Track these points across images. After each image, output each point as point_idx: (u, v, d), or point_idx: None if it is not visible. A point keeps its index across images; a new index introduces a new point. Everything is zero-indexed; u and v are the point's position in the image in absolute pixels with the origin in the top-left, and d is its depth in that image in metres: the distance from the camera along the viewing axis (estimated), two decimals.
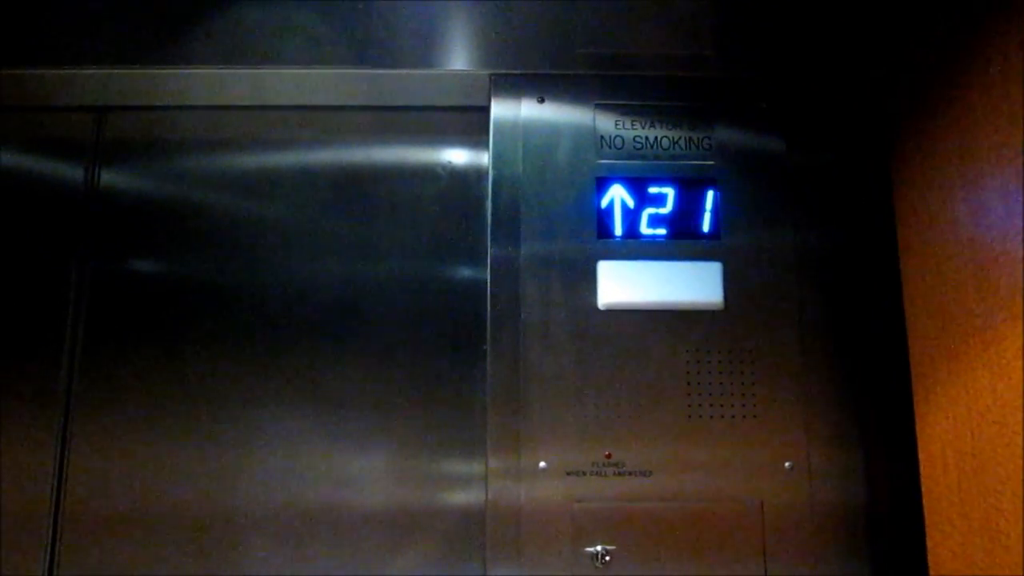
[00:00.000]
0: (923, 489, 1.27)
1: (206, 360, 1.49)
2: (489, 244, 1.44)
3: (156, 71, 1.51)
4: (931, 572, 1.25)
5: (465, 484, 1.46)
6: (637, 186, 1.45)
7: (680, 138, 1.48)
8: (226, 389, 1.48)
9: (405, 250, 1.54)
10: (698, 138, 1.48)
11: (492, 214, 1.45)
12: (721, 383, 1.40)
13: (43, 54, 1.51)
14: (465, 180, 1.57)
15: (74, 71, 1.51)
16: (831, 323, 1.43)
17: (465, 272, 1.53)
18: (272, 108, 1.58)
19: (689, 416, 1.39)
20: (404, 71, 1.51)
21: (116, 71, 1.51)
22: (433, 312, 1.51)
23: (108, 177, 1.56)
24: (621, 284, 1.41)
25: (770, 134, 1.49)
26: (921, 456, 1.28)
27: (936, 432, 1.24)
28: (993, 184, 1.11)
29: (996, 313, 1.10)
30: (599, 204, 1.45)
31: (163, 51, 1.50)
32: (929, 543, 1.25)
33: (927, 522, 1.26)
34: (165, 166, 1.57)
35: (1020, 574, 1.05)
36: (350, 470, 1.46)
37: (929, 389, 1.26)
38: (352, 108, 1.59)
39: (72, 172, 1.56)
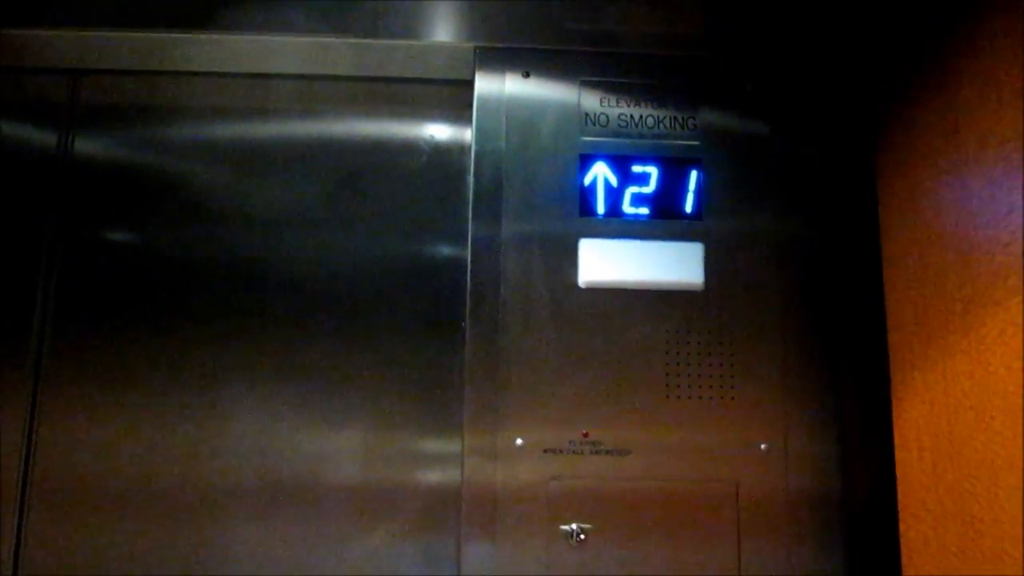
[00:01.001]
0: (898, 473, 1.28)
1: (179, 333, 1.46)
2: (470, 219, 1.43)
3: (134, 34, 1.48)
4: (903, 556, 1.25)
5: (441, 462, 1.45)
6: (621, 164, 1.44)
7: (665, 117, 1.47)
8: (199, 363, 1.46)
9: (384, 225, 1.52)
10: (683, 118, 1.47)
11: (474, 189, 1.44)
12: (700, 364, 1.39)
13: (17, 14, 1.47)
14: (447, 155, 1.55)
15: (49, 32, 1.48)
16: (811, 307, 1.43)
17: (445, 248, 1.51)
18: (252, 76, 1.55)
19: (667, 396, 1.38)
20: (387, 41, 1.49)
21: (93, 32, 1.48)
22: (412, 288, 1.50)
23: (82, 143, 1.52)
24: (602, 262, 1.40)
25: (755, 117, 1.49)
26: (897, 440, 1.28)
27: (912, 417, 1.25)
28: (978, 171, 1.11)
29: (977, 299, 1.10)
30: (582, 181, 1.44)
31: (141, 13, 1.47)
32: (902, 526, 1.26)
33: (900, 505, 1.26)
34: (141, 133, 1.53)
35: (993, 558, 1.06)
36: (325, 446, 1.44)
37: (907, 374, 1.26)
38: (334, 78, 1.56)
39: (45, 137, 1.52)
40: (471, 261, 1.41)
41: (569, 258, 1.41)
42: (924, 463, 1.22)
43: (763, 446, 1.38)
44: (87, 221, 1.50)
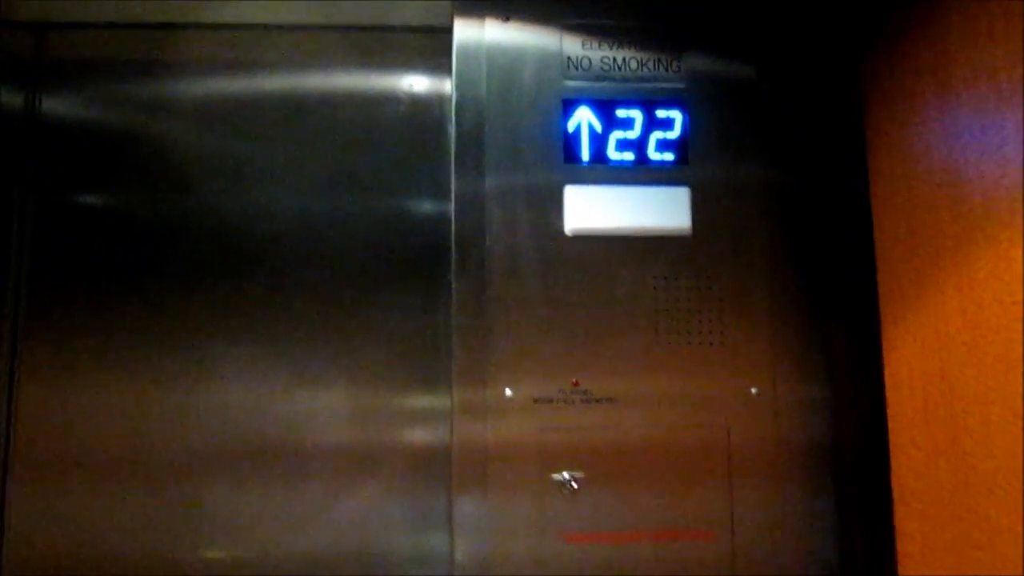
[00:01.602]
0: (888, 412, 1.28)
1: (158, 295, 1.43)
2: (452, 170, 1.40)
3: None
4: (895, 493, 1.26)
5: (431, 417, 1.43)
6: (604, 109, 1.42)
7: (649, 60, 1.44)
8: (180, 324, 1.43)
9: (365, 179, 1.49)
10: (668, 60, 1.45)
11: (456, 139, 1.41)
12: (688, 309, 1.38)
13: None
14: (427, 106, 1.51)
15: None
16: (800, 251, 1.42)
17: (428, 200, 1.48)
18: (225, 26, 1.50)
19: (656, 342, 1.37)
20: None
21: None
22: (396, 243, 1.47)
23: (51, 102, 1.47)
24: (588, 209, 1.39)
25: (741, 58, 1.46)
26: (887, 380, 1.28)
27: (903, 356, 1.24)
28: (968, 104, 1.10)
29: (969, 235, 1.10)
30: (566, 127, 1.41)
31: None
32: (893, 464, 1.26)
33: (892, 444, 1.27)
34: (110, 89, 1.48)
35: (985, 492, 1.06)
36: (312, 405, 1.43)
37: (897, 313, 1.26)
38: (305, 27, 1.52)
39: (11, 96, 1.47)
40: (455, 212, 1.39)
41: (555, 206, 1.39)
42: (915, 401, 1.22)
43: (753, 390, 1.37)
44: (59, 182, 1.45)
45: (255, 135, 1.49)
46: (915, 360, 1.22)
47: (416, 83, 1.52)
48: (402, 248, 1.47)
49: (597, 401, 1.35)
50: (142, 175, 1.46)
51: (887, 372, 1.28)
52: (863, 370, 1.38)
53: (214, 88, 1.50)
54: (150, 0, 1.46)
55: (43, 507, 1.38)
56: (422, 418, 1.43)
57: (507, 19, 1.43)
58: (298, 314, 1.44)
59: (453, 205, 1.39)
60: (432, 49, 1.51)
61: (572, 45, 1.44)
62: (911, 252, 1.22)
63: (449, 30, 1.44)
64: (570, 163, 1.40)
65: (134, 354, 1.41)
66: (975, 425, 1.09)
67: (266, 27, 1.51)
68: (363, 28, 1.52)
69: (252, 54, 1.51)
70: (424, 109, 1.51)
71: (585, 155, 1.41)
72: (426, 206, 1.48)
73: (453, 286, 1.37)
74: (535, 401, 1.35)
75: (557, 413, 1.35)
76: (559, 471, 1.33)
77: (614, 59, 1.44)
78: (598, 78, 1.43)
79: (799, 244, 1.42)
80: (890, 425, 1.27)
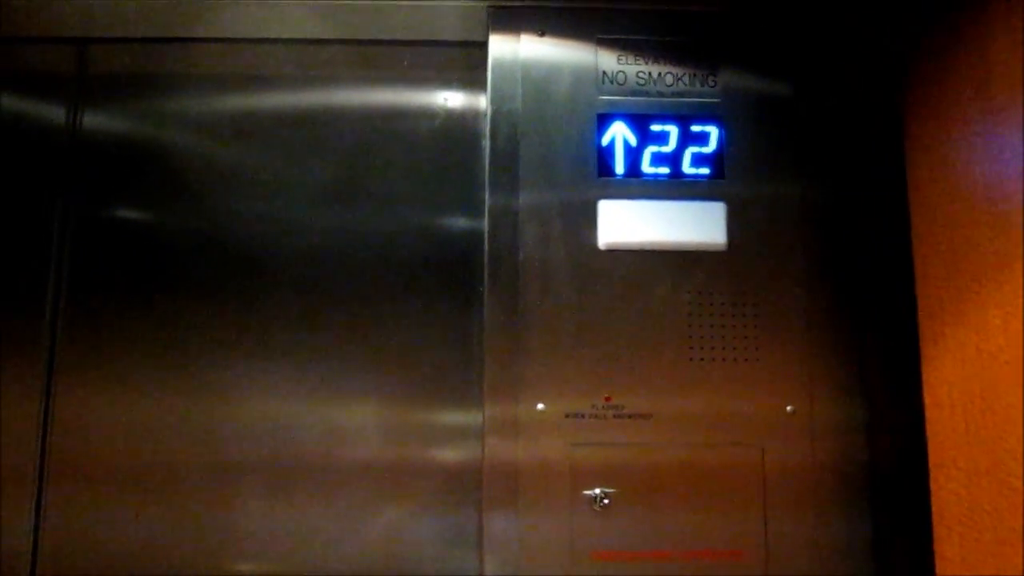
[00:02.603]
0: (928, 432, 1.25)
1: (194, 308, 1.44)
2: (487, 184, 1.40)
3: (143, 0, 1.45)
4: (934, 514, 1.23)
5: (462, 433, 1.42)
6: (639, 123, 1.41)
7: (685, 74, 1.44)
8: (215, 337, 1.43)
9: (398, 193, 1.49)
10: (704, 75, 1.44)
11: (490, 153, 1.41)
12: (723, 325, 1.37)
13: None
14: (462, 120, 1.52)
15: None
16: (837, 267, 1.40)
17: (461, 214, 1.48)
18: (261, 41, 1.52)
19: (690, 359, 1.36)
20: (398, 2, 1.46)
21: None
22: (429, 257, 1.47)
23: (92, 116, 1.50)
24: (622, 224, 1.38)
25: (777, 73, 1.45)
26: (927, 399, 1.25)
27: (943, 375, 1.22)
28: (1010, 117, 1.08)
29: (1011, 251, 1.07)
30: (600, 142, 1.41)
31: None
32: (933, 485, 1.23)
33: (931, 464, 1.24)
34: (151, 104, 1.50)
35: None
36: (341, 421, 1.42)
37: (937, 331, 1.23)
38: (343, 42, 1.53)
39: (53, 110, 1.49)
40: (488, 225, 1.38)
41: (588, 220, 1.38)
42: (956, 420, 1.19)
43: (789, 408, 1.35)
44: (99, 197, 1.47)
45: (290, 150, 1.50)
46: (956, 379, 1.19)
47: (451, 98, 1.52)
48: (435, 262, 1.47)
49: (630, 417, 1.34)
50: (180, 189, 1.48)
51: (926, 391, 1.26)
52: (901, 389, 1.36)
53: (251, 102, 1.51)
54: (188, 13, 1.47)
55: (77, 515, 1.38)
56: (452, 434, 1.43)
57: (543, 34, 1.44)
58: (331, 329, 1.44)
59: (487, 219, 1.39)
60: (467, 63, 1.51)
61: (608, 59, 1.43)
62: (952, 269, 1.20)
63: (484, 45, 1.44)
64: (604, 177, 1.40)
65: (168, 367, 1.42)
66: (1017, 446, 1.06)
67: (302, 42, 1.52)
68: (399, 43, 1.53)
69: (293, 69, 1.52)
70: (459, 123, 1.52)
71: (620, 169, 1.40)
72: (460, 220, 1.48)
73: (485, 300, 1.36)
74: (567, 416, 1.34)
75: (589, 429, 1.33)
76: (591, 486, 1.31)
77: (649, 73, 1.43)
78: (633, 92, 1.43)
79: (836, 260, 1.40)
80: (930, 445, 1.25)
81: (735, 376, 1.35)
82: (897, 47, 1.37)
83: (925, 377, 1.26)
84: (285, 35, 1.51)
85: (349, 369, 1.44)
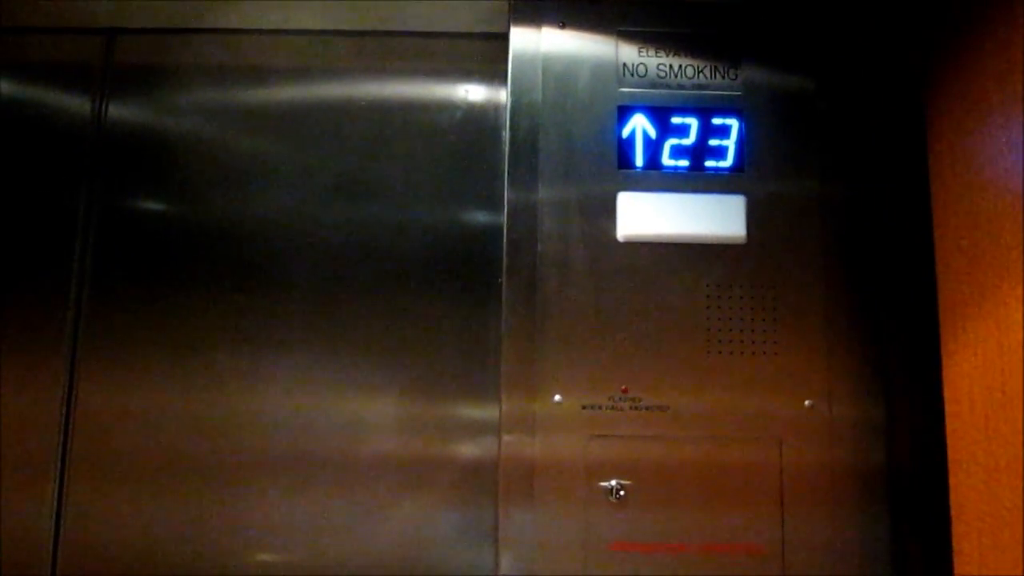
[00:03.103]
0: (947, 428, 1.24)
1: (216, 301, 1.46)
2: (506, 175, 1.40)
3: None
4: (953, 510, 1.22)
5: (479, 427, 1.43)
6: (660, 116, 1.41)
7: (705, 67, 1.43)
8: (235, 330, 1.45)
9: (418, 185, 1.50)
10: (724, 68, 1.44)
11: (510, 144, 1.41)
12: (742, 318, 1.36)
13: None
14: (483, 112, 1.52)
15: None
16: (856, 261, 1.39)
17: (481, 207, 1.49)
18: (285, 32, 1.53)
19: (708, 351, 1.36)
20: None
21: None
22: (448, 249, 1.48)
23: (117, 107, 1.52)
24: (641, 216, 1.38)
25: (799, 66, 1.44)
26: (947, 394, 1.24)
27: (964, 370, 1.21)
28: None
29: None
30: (620, 134, 1.41)
31: None
32: (952, 481, 1.22)
33: (950, 460, 1.23)
34: (176, 95, 1.52)
35: None
36: (360, 414, 1.44)
37: (958, 326, 1.22)
38: (369, 33, 1.54)
39: (79, 101, 1.51)
40: (507, 216, 1.39)
41: (607, 212, 1.38)
42: (976, 416, 1.18)
43: (807, 403, 1.35)
44: (122, 188, 1.49)
45: (312, 141, 1.51)
46: (976, 374, 1.18)
47: (472, 90, 1.53)
48: (455, 254, 1.48)
49: (647, 409, 1.34)
50: (203, 181, 1.50)
51: (946, 386, 1.25)
52: (921, 385, 1.35)
53: (274, 94, 1.53)
54: (218, 6, 1.48)
55: (98, 508, 1.40)
56: (470, 428, 1.44)
57: (563, 26, 1.44)
58: (349, 322, 1.46)
59: (505, 211, 1.39)
60: (489, 56, 1.52)
61: (628, 52, 1.43)
62: (973, 263, 1.19)
63: (506, 37, 1.45)
64: (624, 169, 1.40)
65: (189, 359, 1.44)
66: None
67: (326, 33, 1.53)
68: (421, 35, 1.54)
69: (313, 60, 1.54)
70: (480, 116, 1.52)
71: (639, 162, 1.40)
72: (480, 213, 1.48)
73: (503, 292, 1.37)
74: (584, 408, 1.34)
75: (606, 420, 1.34)
76: (607, 478, 1.32)
77: (670, 66, 1.43)
78: (654, 85, 1.43)
79: (856, 256, 1.40)
80: (949, 441, 1.24)
81: (753, 369, 1.35)
82: (919, 40, 1.36)
83: (945, 372, 1.25)
84: (308, 26, 1.53)
85: (367, 363, 1.45)
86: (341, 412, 1.43)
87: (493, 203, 1.45)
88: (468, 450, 1.43)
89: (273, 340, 1.45)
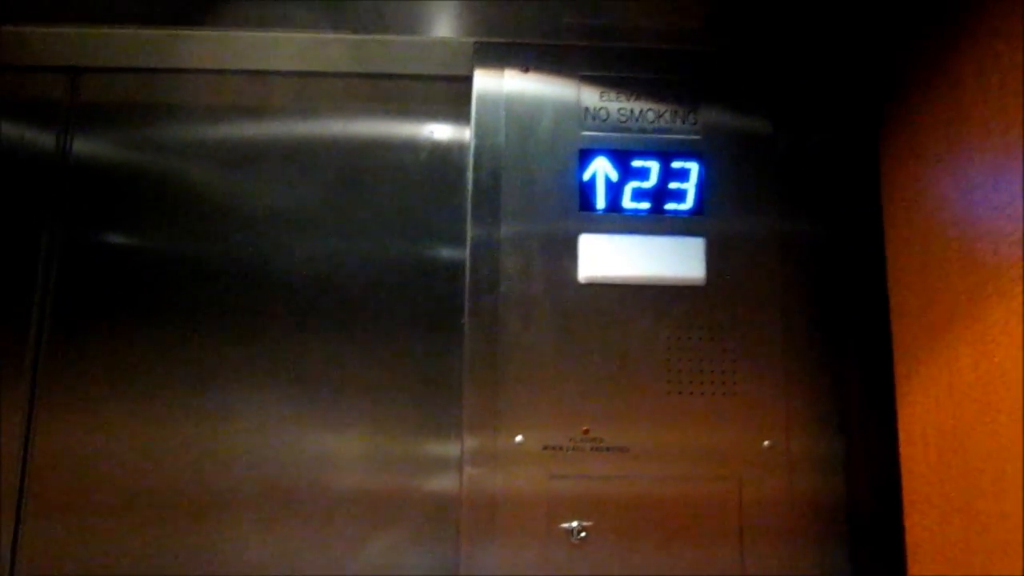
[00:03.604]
0: (903, 468, 1.26)
1: (177, 335, 1.45)
2: (469, 215, 1.42)
3: (133, 30, 1.47)
4: (908, 550, 1.24)
5: (441, 463, 1.42)
6: (621, 159, 1.43)
7: (666, 112, 1.46)
8: (198, 366, 1.44)
9: (383, 223, 1.50)
10: (684, 112, 1.46)
11: (473, 185, 1.43)
12: (701, 360, 1.38)
13: (15, 10, 1.46)
14: (447, 152, 1.53)
15: (48, 28, 1.47)
16: (814, 302, 1.42)
17: (445, 245, 1.50)
18: (251, 73, 1.54)
19: (668, 392, 1.37)
20: (386, 37, 1.48)
21: (92, 29, 1.47)
22: (412, 287, 1.48)
23: (81, 143, 1.51)
24: (603, 258, 1.39)
25: (757, 112, 1.47)
26: (901, 435, 1.27)
27: (917, 411, 1.23)
28: (980, 160, 1.10)
29: (981, 290, 1.09)
30: (582, 177, 1.43)
31: (140, 9, 1.46)
32: (907, 521, 1.24)
33: (905, 501, 1.25)
34: (140, 132, 1.52)
35: (999, 553, 1.04)
36: (324, 448, 1.43)
37: (911, 368, 1.24)
38: (333, 75, 1.55)
39: (44, 136, 1.51)
40: (470, 257, 1.40)
41: (569, 254, 1.40)
42: (929, 457, 1.20)
43: (766, 443, 1.36)
44: (86, 222, 1.48)
45: (277, 178, 1.51)
46: (929, 416, 1.20)
47: (437, 130, 1.54)
48: (421, 292, 1.48)
49: (608, 450, 1.35)
50: (164, 216, 1.49)
51: (901, 427, 1.27)
52: (879, 424, 1.36)
53: (239, 132, 1.53)
54: (178, 45, 1.49)
55: (57, 544, 1.38)
56: (433, 463, 1.43)
57: (526, 70, 1.46)
58: (316, 357, 1.45)
59: (468, 251, 1.40)
60: (453, 97, 1.53)
61: (590, 96, 1.46)
62: (925, 306, 1.22)
63: (470, 79, 1.46)
64: (586, 212, 1.41)
65: (153, 394, 1.42)
66: (988, 484, 1.07)
67: (293, 74, 1.54)
68: (388, 76, 1.55)
69: (278, 99, 1.54)
70: (444, 156, 1.53)
71: (601, 204, 1.42)
72: (445, 251, 1.49)
73: (466, 332, 1.38)
74: (545, 448, 1.34)
75: (567, 461, 1.34)
76: (568, 519, 1.32)
77: (631, 110, 1.46)
78: (615, 129, 1.45)
79: (814, 295, 1.42)
80: (904, 481, 1.26)
81: (712, 410, 1.36)
82: (872, 86, 1.40)
83: (900, 414, 1.27)
84: (276, 68, 1.53)
85: (332, 399, 1.44)
86: (300, 446, 1.42)
87: (460, 241, 1.46)
88: (433, 486, 1.42)
89: (237, 374, 1.44)
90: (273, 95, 1.55)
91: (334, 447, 1.43)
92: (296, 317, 1.46)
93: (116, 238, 1.48)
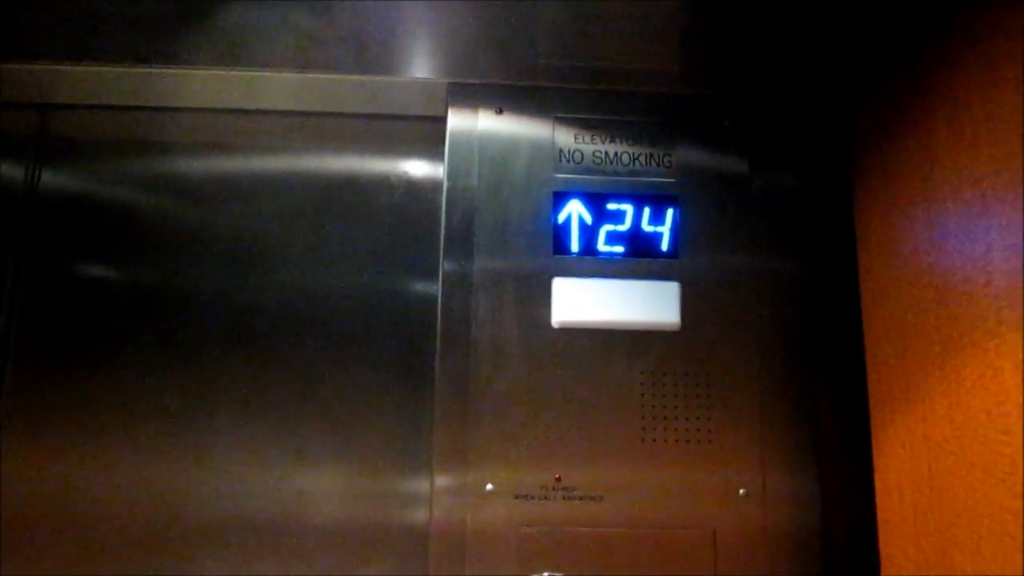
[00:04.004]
0: (879, 520, 1.24)
1: (145, 369, 1.42)
2: (441, 258, 1.40)
3: (104, 68, 1.45)
4: None
5: (411, 504, 1.40)
6: (595, 202, 1.42)
7: (641, 154, 1.45)
8: (167, 399, 1.41)
9: (356, 263, 1.49)
10: (659, 155, 1.45)
11: (445, 227, 1.41)
12: (676, 406, 1.36)
13: None
14: (420, 192, 1.52)
15: (18, 66, 1.45)
16: (790, 346, 1.40)
17: (418, 287, 1.48)
18: (225, 111, 1.53)
19: (643, 439, 1.34)
20: (360, 77, 1.46)
21: (63, 67, 1.45)
22: (385, 328, 1.46)
23: (49, 176, 1.49)
24: (576, 302, 1.37)
25: (733, 154, 1.46)
26: (877, 486, 1.25)
27: (893, 462, 1.21)
28: (954, 208, 1.09)
29: (956, 340, 1.08)
30: (556, 219, 1.41)
31: (110, 48, 1.44)
32: (883, 575, 1.22)
33: (882, 553, 1.23)
34: (109, 166, 1.50)
35: None
36: (294, 486, 1.40)
37: (887, 418, 1.23)
38: (307, 114, 1.54)
39: (11, 170, 1.49)
40: (442, 300, 1.38)
41: (542, 297, 1.38)
42: (905, 510, 1.18)
43: (742, 491, 1.34)
44: (54, 256, 1.46)
45: (249, 217, 1.50)
46: (905, 467, 1.18)
47: (411, 169, 1.53)
48: (395, 331, 1.46)
49: (580, 499, 1.32)
50: (132, 251, 1.47)
51: (877, 478, 1.25)
52: (856, 470, 1.35)
53: (210, 169, 1.52)
54: (148, 83, 1.47)
55: None
56: (404, 505, 1.40)
57: (500, 111, 1.45)
58: (288, 393, 1.43)
59: (440, 292, 1.38)
60: (427, 137, 1.52)
61: (564, 138, 1.45)
62: (900, 356, 1.20)
63: (443, 120, 1.45)
64: (559, 255, 1.40)
65: (120, 428, 1.39)
66: (965, 539, 1.05)
67: (269, 112, 1.53)
68: (362, 116, 1.54)
69: (253, 138, 1.53)
70: (418, 195, 1.52)
71: (574, 247, 1.40)
72: (415, 293, 1.47)
73: (436, 378, 1.35)
74: (516, 497, 1.31)
75: (539, 510, 1.31)
76: (539, 569, 1.29)
77: (606, 153, 1.44)
78: (590, 171, 1.44)
79: (790, 338, 1.40)
80: (880, 533, 1.24)
81: (687, 458, 1.34)
82: (844, 134, 1.39)
83: (876, 463, 1.25)
84: (248, 106, 1.52)
85: (308, 434, 1.42)
86: (278, 486, 1.40)
87: (433, 282, 1.43)
88: (405, 523, 1.39)
89: (208, 413, 1.41)
90: (248, 134, 1.54)
91: (301, 483, 1.40)
92: (266, 355, 1.44)
93: (83, 273, 1.46)
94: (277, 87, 1.50)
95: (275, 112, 1.53)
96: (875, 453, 1.26)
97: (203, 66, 1.45)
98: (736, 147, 1.47)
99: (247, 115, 1.54)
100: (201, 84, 1.49)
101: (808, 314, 1.42)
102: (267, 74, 1.47)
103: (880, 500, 1.24)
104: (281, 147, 1.54)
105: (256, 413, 1.42)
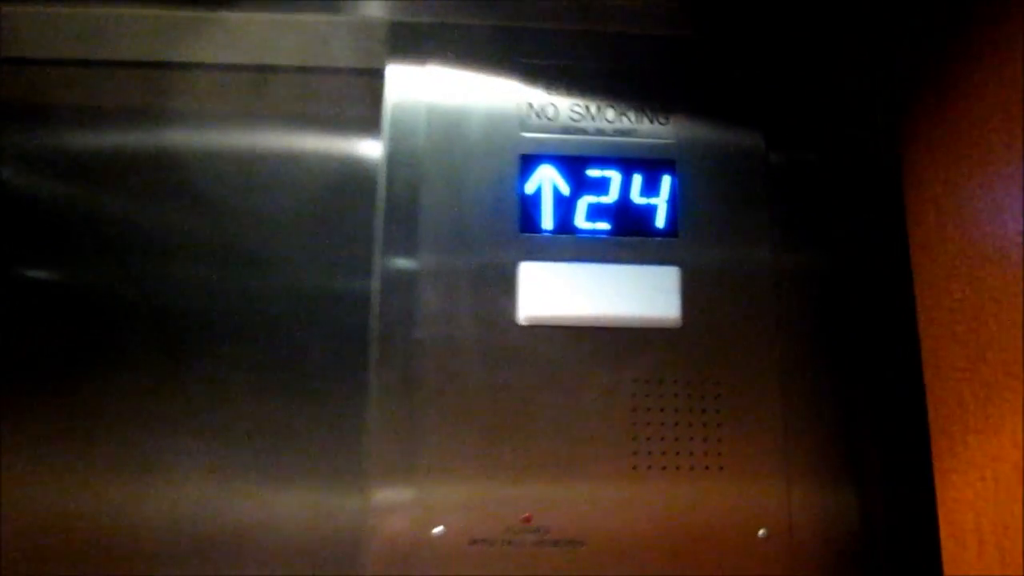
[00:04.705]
0: (945, 572, 0.95)
1: (92, 381, 1.16)
2: (378, 241, 1.11)
3: None
4: None
5: (345, 521, 1.11)
6: (573, 167, 1.13)
7: (630, 109, 1.16)
8: (118, 411, 1.15)
9: (286, 253, 1.21)
10: (654, 111, 1.17)
11: (385, 203, 1.12)
12: (676, 423, 1.07)
13: None
14: (361, 164, 1.24)
15: None
16: (821, 349, 1.12)
17: (356, 278, 1.19)
18: (117, 64, 1.24)
19: (634, 466, 1.06)
20: (277, 16, 1.19)
21: None
22: (330, 323, 1.18)
23: None
24: (549, 292, 1.09)
25: (744, 113, 1.19)
26: (943, 529, 0.95)
27: (966, 496, 0.92)
28: None
29: None
30: (523, 190, 1.12)
31: None
32: None
33: None
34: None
35: None
36: (225, 500, 1.12)
37: (956, 439, 0.93)
38: (231, 68, 1.26)
39: None
40: (379, 294, 1.09)
41: (506, 287, 1.09)
42: (985, 559, 0.89)
43: (761, 532, 1.05)
44: None
45: (158, 197, 1.22)
46: (983, 504, 0.89)
47: (351, 137, 1.24)
48: (334, 330, 1.17)
49: (555, 544, 1.03)
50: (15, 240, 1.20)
51: (942, 517, 0.96)
52: (907, 507, 1.07)
53: (109, 143, 1.24)
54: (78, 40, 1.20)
55: None
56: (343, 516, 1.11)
57: (453, 59, 1.16)
58: (236, 403, 1.16)
59: (376, 286, 1.10)
60: (368, 96, 1.24)
61: (534, 90, 1.16)
62: (975, 356, 0.91)
63: (381, 71, 1.17)
64: (528, 234, 1.11)
65: (70, 444, 1.14)
66: None
67: (176, 66, 1.25)
68: (287, 69, 1.26)
69: (160, 98, 1.25)
70: (358, 168, 1.24)
71: (547, 224, 1.12)
72: (349, 284, 1.18)
73: (371, 392, 1.07)
74: (472, 542, 1.03)
75: (502, 560, 1.03)
76: None
77: (587, 107, 1.16)
78: (566, 130, 1.15)
79: (820, 342, 1.13)
80: None
81: (691, 491, 1.05)
82: (891, 100, 1.10)
83: (940, 499, 0.96)
84: (159, 57, 1.24)
85: (256, 446, 1.14)
86: (208, 500, 1.12)
87: (370, 268, 1.16)
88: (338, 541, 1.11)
89: (157, 421, 1.15)
90: (154, 92, 1.25)
91: (235, 499, 1.13)
92: (214, 359, 1.17)
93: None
94: (185, 27, 1.23)
95: (195, 64, 1.25)
96: (939, 487, 0.96)
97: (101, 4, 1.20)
98: (749, 104, 1.19)
99: (158, 68, 1.25)
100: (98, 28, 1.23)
101: (844, 312, 1.15)
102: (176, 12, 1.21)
103: (947, 547, 0.95)
104: (198, 111, 1.26)
105: (208, 426, 1.15)
